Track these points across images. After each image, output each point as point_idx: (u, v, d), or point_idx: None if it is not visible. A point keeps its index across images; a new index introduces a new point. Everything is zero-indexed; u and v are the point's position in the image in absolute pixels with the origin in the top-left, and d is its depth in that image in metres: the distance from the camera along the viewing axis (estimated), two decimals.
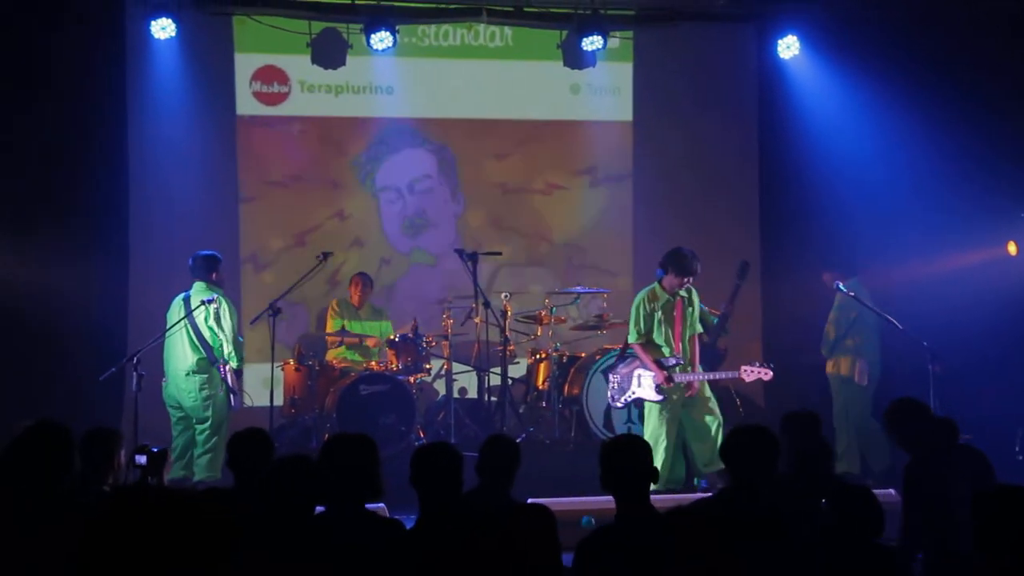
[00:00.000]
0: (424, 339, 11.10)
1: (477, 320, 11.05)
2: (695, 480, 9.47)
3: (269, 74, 12.27)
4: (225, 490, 5.82)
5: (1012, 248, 11.00)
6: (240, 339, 9.96)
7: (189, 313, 9.67)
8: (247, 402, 10.43)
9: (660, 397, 9.39)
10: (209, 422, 9.71)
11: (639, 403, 9.72)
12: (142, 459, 5.47)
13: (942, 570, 6.00)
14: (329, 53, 11.47)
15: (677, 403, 9.41)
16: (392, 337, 11.17)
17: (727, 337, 10.51)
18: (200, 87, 11.84)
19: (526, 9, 12.06)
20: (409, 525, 5.03)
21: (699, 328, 9.62)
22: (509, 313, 11.08)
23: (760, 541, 4.73)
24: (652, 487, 5.02)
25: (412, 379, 10.99)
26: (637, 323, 9.49)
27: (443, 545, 4.75)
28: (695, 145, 12.70)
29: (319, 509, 4.79)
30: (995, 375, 10.67)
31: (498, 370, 11.02)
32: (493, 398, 11.35)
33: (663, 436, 9.33)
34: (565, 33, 11.80)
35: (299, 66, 11.92)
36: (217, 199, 12.07)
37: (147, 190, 11.67)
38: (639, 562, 4.58)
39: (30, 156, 10.91)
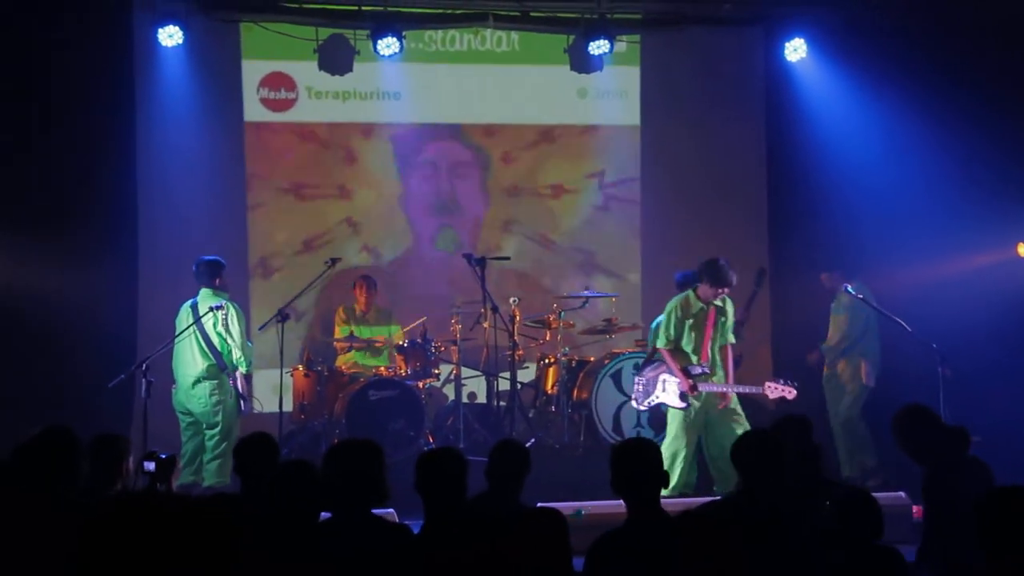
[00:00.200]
0: (433, 344, 11.11)
1: (486, 325, 11.05)
2: (714, 487, 9.38)
3: (276, 80, 12.29)
4: (231, 495, 5.82)
5: (1022, 250, 10.97)
6: (249, 344, 9.98)
7: (197, 319, 9.68)
8: (257, 407, 10.44)
9: (683, 404, 9.39)
10: (219, 428, 9.73)
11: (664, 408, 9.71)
12: (150, 465, 5.47)
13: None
14: (336, 59, 11.50)
15: (701, 411, 9.41)
16: (400, 341, 11.17)
17: (741, 343, 10.48)
18: (208, 94, 11.86)
19: (533, 14, 12.08)
20: (416, 530, 5.03)
21: (731, 338, 9.58)
22: (518, 318, 11.07)
23: (768, 544, 4.73)
24: (666, 491, 5.02)
25: (421, 384, 11.00)
26: (668, 329, 9.48)
27: (450, 550, 4.75)
28: (703, 148, 12.68)
29: (325, 515, 4.80)
30: (1005, 378, 10.62)
31: (507, 375, 11.02)
32: (502, 403, 11.34)
33: (684, 443, 9.33)
34: (572, 37, 11.82)
35: (306, 72, 11.94)
36: (225, 205, 12.09)
37: (155, 197, 11.69)
38: (650, 565, 4.58)
39: (39, 163, 10.93)
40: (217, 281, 9.86)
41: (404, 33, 11.38)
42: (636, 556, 4.65)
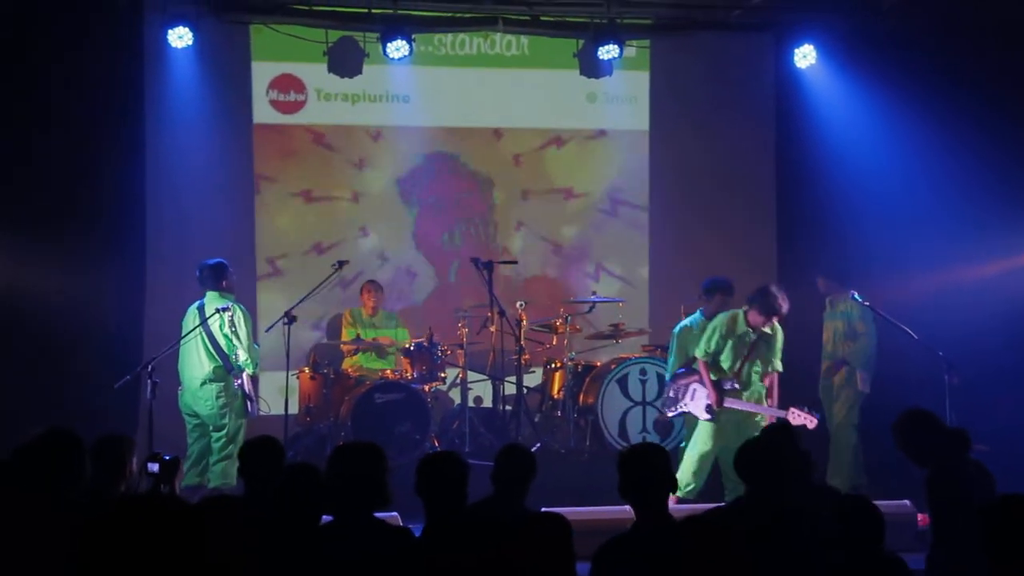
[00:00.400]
0: (439, 348, 11.10)
1: (492, 329, 11.05)
2: (725, 496, 9.36)
3: (286, 83, 12.29)
4: (233, 497, 5.82)
5: None
6: (256, 346, 9.99)
7: (204, 321, 9.69)
8: (264, 409, 10.45)
9: (708, 416, 9.47)
10: (225, 430, 9.73)
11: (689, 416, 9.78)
12: (154, 467, 5.48)
13: None
14: (346, 62, 11.51)
15: (727, 424, 9.43)
16: (408, 345, 11.17)
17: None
18: (217, 96, 11.87)
19: (542, 18, 12.10)
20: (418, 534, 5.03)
21: (779, 366, 9.59)
22: (524, 322, 11.07)
23: (772, 549, 4.73)
24: (678, 497, 5.02)
25: (427, 388, 11.00)
26: (708, 341, 9.55)
27: (453, 554, 4.74)
28: (712, 154, 12.68)
29: (327, 518, 4.80)
30: (1012, 385, 10.59)
31: (513, 379, 11.02)
32: (508, 407, 11.34)
33: (708, 453, 9.44)
34: (581, 42, 11.84)
35: (316, 75, 11.94)
36: (233, 207, 12.09)
37: (164, 198, 11.69)
38: (657, 571, 4.58)
39: (47, 165, 10.94)
40: (224, 283, 9.86)
41: (414, 36, 11.40)
42: (643, 561, 4.65)
